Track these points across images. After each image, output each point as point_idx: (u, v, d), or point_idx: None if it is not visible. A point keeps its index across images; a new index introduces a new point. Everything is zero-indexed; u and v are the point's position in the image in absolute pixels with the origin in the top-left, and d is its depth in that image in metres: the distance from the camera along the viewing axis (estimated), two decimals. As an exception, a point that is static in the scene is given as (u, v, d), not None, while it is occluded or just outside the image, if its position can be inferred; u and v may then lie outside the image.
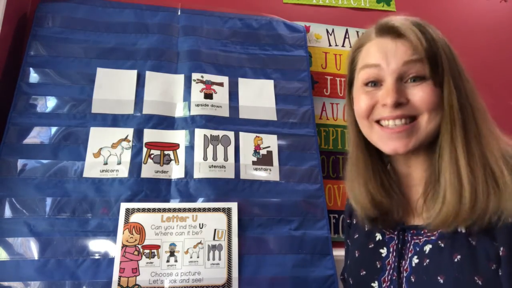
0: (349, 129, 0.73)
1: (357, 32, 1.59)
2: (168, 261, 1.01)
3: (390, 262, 0.65)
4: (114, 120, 1.15)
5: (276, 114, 1.28)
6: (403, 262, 0.63)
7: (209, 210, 1.08)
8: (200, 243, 1.04)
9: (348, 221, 0.85)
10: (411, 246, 0.63)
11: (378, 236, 0.69)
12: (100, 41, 1.25)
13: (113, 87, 1.19)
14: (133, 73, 1.22)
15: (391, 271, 0.64)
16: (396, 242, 0.65)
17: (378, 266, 0.67)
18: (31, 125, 1.10)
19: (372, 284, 0.67)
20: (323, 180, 1.23)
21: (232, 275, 1.02)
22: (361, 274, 0.70)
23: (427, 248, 0.60)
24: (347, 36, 1.58)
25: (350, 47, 1.57)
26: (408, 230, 0.64)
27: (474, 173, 0.54)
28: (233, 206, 1.10)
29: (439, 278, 0.56)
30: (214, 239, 1.05)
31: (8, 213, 1.00)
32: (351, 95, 0.71)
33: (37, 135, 1.09)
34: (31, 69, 1.16)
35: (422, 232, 0.62)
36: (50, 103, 1.14)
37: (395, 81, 0.59)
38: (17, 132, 1.09)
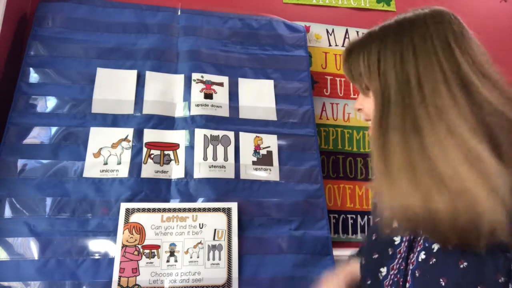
0: None
1: (357, 32, 1.59)
2: (168, 261, 1.01)
3: (401, 251, 0.67)
4: (114, 120, 1.15)
5: (276, 114, 1.28)
6: (412, 255, 0.64)
7: (209, 210, 1.08)
8: (200, 243, 1.04)
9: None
10: (421, 240, 0.64)
11: (395, 224, 0.70)
12: (100, 41, 1.25)
13: (113, 87, 1.19)
14: (133, 73, 1.22)
15: (400, 260, 0.66)
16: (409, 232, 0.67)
17: (390, 253, 0.69)
18: (31, 125, 1.10)
19: (381, 269, 0.69)
20: (323, 180, 1.23)
21: (232, 275, 1.02)
22: (373, 257, 0.72)
23: (436, 246, 0.60)
24: (347, 36, 1.58)
25: (350, 47, 1.57)
26: None
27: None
28: (233, 206, 1.10)
29: (441, 280, 0.56)
30: (214, 239, 1.05)
31: (8, 213, 1.00)
32: None
33: (37, 135, 1.09)
34: (31, 69, 1.16)
35: None
36: (50, 103, 1.14)
37: (359, 93, 0.72)
38: (17, 132, 1.09)
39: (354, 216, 1.37)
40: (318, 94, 1.47)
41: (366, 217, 1.38)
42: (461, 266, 0.55)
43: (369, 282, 0.71)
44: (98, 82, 1.19)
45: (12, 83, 1.14)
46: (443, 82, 0.58)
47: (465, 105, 0.56)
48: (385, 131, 0.60)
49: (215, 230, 1.06)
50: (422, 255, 0.62)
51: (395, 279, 0.65)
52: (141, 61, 1.24)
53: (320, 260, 1.12)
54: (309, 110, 1.31)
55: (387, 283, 0.67)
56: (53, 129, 1.11)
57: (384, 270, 0.68)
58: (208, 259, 1.03)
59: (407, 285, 0.62)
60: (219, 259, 1.04)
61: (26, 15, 1.32)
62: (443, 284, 0.56)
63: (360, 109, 0.73)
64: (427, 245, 0.62)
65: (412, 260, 0.63)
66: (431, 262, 0.60)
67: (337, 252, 1.19)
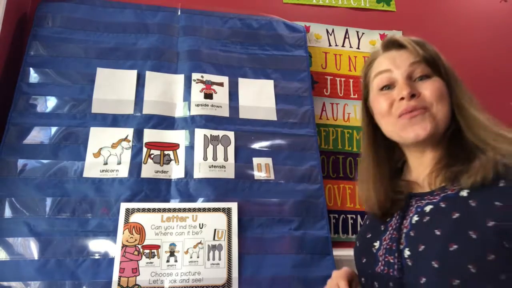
0: (364, 137, 0.82)
1: (357, 32, 1.59)
2: (168, 261, 1.01)
3: (392, 224, 0.72)
4: (114, 120, 1.15)
5: (276, 114, 1.28)
6: (404, 221, 0.69)
7: (209, 210, 1.08)
8: (200, 243, 1.04)
9: None
10: (413, 208, 0.69)
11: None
12: (100, 41, 1.25)
13: (113, 87, 1.19)
14: (133, 73, 1.22)
15: (392, 230, 0.71)
16: (402, 206, 0.72)
17: (382, 228, 0.74)
18: (31, 125, 1.10)
19: (374, 244, 0.74)
20: (323, 180, 1.23)
21: (232, 275, 1.02)
22: (367, 236, 0.77)
23: (428, 208, 0.66)
24: (347, 36, 1.58)
25: (350, 47, 1.57)
26: (414, 197, 0.71)
27: (501, 134, 0.64)
28: (233, 206, 1.10)
29: (436, 231, 0.62)
30: (214, 239, 1.05)
31: (8, 213, 1.00)
32: (367, 106, 0.80)
33: (37, 135, 1.09)
34: (31, 69, 1.16)
35: (425, 197, 0.69)
36: (50, 103, 1.14)
37: (406, 78, 0.71)
38: (17, 132, 1.09)
39: (354, 216, 1.37)
40: (318, 94, 1.47)
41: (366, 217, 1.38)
42: (454, 217, 0.61)
43: (364, 260, 0.76)
44: (98, 82, 1.19)
45: (12, 83, 1.14)
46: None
47: None
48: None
49: (215, 230, 1.06)
50: (415, 218, 0.68)
51: (387, 247, 0.70)
52: (141, 61, 1.24)
53: (320, 260, 1.12)
54: (309, 110, 1.31)
55: (381, 253, 0.72)
56: (53, 129, 1.11)
57: (377, 244, 0.74)
58: (208, 259, 1.03)
59: (401, 247, 0.67)
60: (219, 259, 1.04)
61: (26, 15, 1.32)
62: (438, 233, 0.62)
63: (415, 94, 0.70)
64: (419, 209, 0.68)
65: (405, 225, 0.69)
66: (424, 220, 0.66)
67: (337, 252, 1.19)
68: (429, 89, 0.69)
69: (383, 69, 0.74)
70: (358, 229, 1.37)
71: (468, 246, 0.58)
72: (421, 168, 0.74)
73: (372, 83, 0.76)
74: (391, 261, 0.68)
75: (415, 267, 0.63)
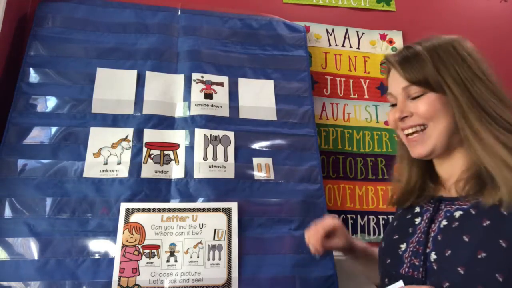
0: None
1: (357, 32, 1.59)
2: (168, 261, 1.01)
3: (421, 228, 0.72)
4: (114, 120, 1.15)
5: (276, 114, 1.28)
6: (433, 225, 0.70)
7: (209, 210, 1.08)
8: (200, 243, 1.04)
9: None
10: (442, 213, 0.70)
11: (417, 209, 0.77)
12: (100, 41, 1.25)
13: (113, 87, 1.19)
14: (133, 73, 1.22)
15: (420, 234, 0.71)
16: (431, 211, 0.73)
17: (410, 231, 0.74)
18: (31, 125, 1.10)
19: (401, 246, 0.74)
20: (323, 180, 1.23)
21: (232, 275, 1.02)
22: (394, 238, 0.77)
23: (458, 213, 0.66)
24: (347, 36, 1.58)
25: (350, 47, 1.57)
26: (444, 201, 0.72)
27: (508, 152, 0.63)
28: (233, 206, 1.10)
29: (464, 237, 0.62)
30: (214, 239, 1.05)
31: (8, 213, 1.00)
32: None
33: (37, 135, 1.09)
34: (31, 69, 1.16)
35: (456, 202, 0.69)
36: (50, 103, 1.14)
37: (401, 101, 0.74)
38: (17, 132, 1.09)
39: (354, 216, 1.37)
40: (318, 94, 1.47)
41: (366, 217, 1.38)
42: (484, 224, 0.61)
43: (388, 261, 0.76)
44: (98, 82, 1.19)
45: (12, 83, 1.14)
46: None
47: None
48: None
49: (215, 230, 1.06)
50: (444, 222, 0.68)
51: (414, 249, 0.70)
52: (141, 61, 1.24)
53: (320, 260, 1.12)
54: (309, 110, 1.31)
55: (406, 255, 0.72)
56: (53, 129, 1.11)
57: (403, 246, 0.73)
58: (208, 259, 1.03)
59: (428, 250, 0.67)
60: (219, 259, 1.04)
61: (26, 15, 1.32)
62: (466, 240, 0.61)
63: (407, 116, 0.74)
64: (448, 214, 0.68)
65: (433, 229, 0.69)
66: (453, 226, 0.66)
67: (337, 252, 1.19)
68: (419, 108, 0.71)
69: (388, 92, 0.79)
70: (358, 229, 1.37)
71: (497, 254, 0.57)
72: (445, 174, 0.75)
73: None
74: (417, 263, 0.68)
75: (439, 271, 0.63)
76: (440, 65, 0.71)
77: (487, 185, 0.63)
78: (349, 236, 0.91)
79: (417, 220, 0.74)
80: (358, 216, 1.37)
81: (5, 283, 0.93)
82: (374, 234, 1.37)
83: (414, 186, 0.78)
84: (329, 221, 0.87)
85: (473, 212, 0.64)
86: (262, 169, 1.19)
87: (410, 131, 0.73)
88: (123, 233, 1.01)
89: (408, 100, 0.73)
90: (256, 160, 1.20)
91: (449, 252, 0.63)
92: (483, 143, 0.65)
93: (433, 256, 0.65)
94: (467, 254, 0.60)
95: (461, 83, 0.69)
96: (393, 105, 0.78)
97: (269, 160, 1.20)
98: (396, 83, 0.75)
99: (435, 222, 0.69)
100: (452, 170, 0.73)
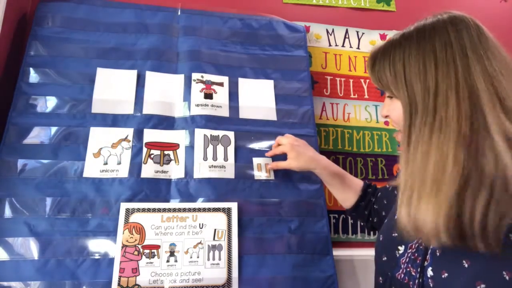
0: None
1: (357, 32, 1.59)
2: (168, 261, 1.01)
3: None
4: (114, 120, 1.15)
5: (276, 114, 1.28)
6: None
7: (209, 210, 1.08)
8: (200, 243, 1.04)
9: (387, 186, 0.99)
10: None
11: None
12: (100, 41, 1.25)
13: (113, 87, 1.19)
14: (133, 73, 1.22)
15: (420, 240, 0.67)
16: None
17: None
18: (31, 125, 1.10)
19: (399, 247, 0.71)
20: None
21: (232, 275, 1.02)
22: (392, 235, 0.74)
23: None
24: (347, 36, 1.58)
25: (350, 47, 1.57)
26: None
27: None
28: (233, 206, 1.10)
29: (464, 262, 0.57)
30: (214, 239, 1.05)
31: (8, 213, 1.00)
32: None
33: (37, 135, 1.09)
34: (31, 69, 1.16)
35: None
36: (50, 103, 1.14)
37: (385, 100, 0.73)
38: (17, 132, 1.09)
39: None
40: (318, 94, 1.47)
41: (366, 217, 1.38)
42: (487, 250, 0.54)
43: (384, 258, 0.74)
44: (98, 82, 1.19)
45: (12, 83, 1.14)
46: (455, 92, 0.57)
47: (466, 118, 0.55)
48: (410, 141, 0.60)
49: (215, 230, 1.06)
50: None
51: (412, 257, 0.67)
52: (141, 61, 1.24)
53: (320, 260, 1.12)
54: (309, 110, 1.31)
55: (403, 260, 0.69)
56: (53, 129, 1.11)
57: (401, 248, 0.70)
58: (208, 259, 1.03)
59: (426, 263, 0.63)
60: (219, 259, 1.04)
61: (26, 15, 1.32)
62: (465, 266, 0.56)
63: (387, 116, 0.73)
64: None
65: None
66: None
67: (337, 252, 1.19)
68: (390, 112, 0.71)
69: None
70: (358, 229, 1.37)
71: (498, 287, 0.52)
72: None
73: None
74: (413, 273, 0.65)
75: None
76: (395, 70, 0.69)
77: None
78: (317, 160, 1.04)
79: None
80: (358, 216, 1.37)
81: (5, 283, 0.93)
82: (374, 234, 1.37)
83: None
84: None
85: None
86: (262, 169, 1.19)
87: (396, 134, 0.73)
88: (123, 233, 1.01)
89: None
90: (256, 160, 1.20)
91: (446, 274, 0.59)
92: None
93: (429, 272, 0.62)
94: (465, 283, 0.55)
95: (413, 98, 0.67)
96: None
97: (269, 160, 1.20)
98: None
99: None
100: None
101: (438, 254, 0.62)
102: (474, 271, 0.55)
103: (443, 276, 0.59)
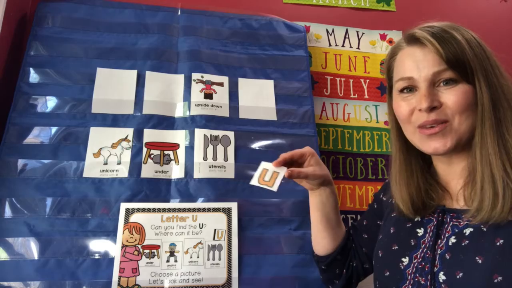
0: (391, 134, 0.77)
1: (357, 32, 1.59)
2: (168, 261, 1.01)
3: (426, 242, 0.68)
4: (114, 120, 1.15)
5: (276, 114, 1.28)
6: (439, 241, 0.65)
7: (209, 210, 1.08)
8: (200, 243, 1.04)
9: (381, 196, 0.90)
10: (449, 227, 0.65)
11: (417, 218, 0.72)
12: (100, 41, 1.25)
13: (113, 87, 1.19)
14: (133, 73, 1.22)
15: (425, 249, 0.67)
16: (435, 223, 0.68)
17: (413, 243, 0.69)
18: (31, 125, 1.10)
19: (402, 259, 0.69)
20: (323, 180, 1.23)
21: (232, 275, 1.02)
22: (393, 248, 0.73)
23: (468, 230, 0.62)
24: (347, 36, 1.58)
25: (350, 47, 1.57)
26: (448, 213, 0.67)
27: (506, 169, 0.58)
28: (233, 206, 1.10)
29: (477, 258, 0.57)
30: (214, 239, 1.05)
31: (8, 213, 1.00)
32: (392, 101, 0.75)
33: (37, 135, 1.09)
34: (31, 69, 1.16)
35: (463, 216, 0.64)
36: (50, 103, 1.14)
37: (428, 87, 0.64)
38: (17, 132, 1.09)
39: (354, 216, 1.37)
40: (318, 94, 1.47)
41: (366, 217, 1.38)
42: (497, 243, 0.56)
43: (387, 273, 0.72)
44: (98, 82, 1.19)
45: (12, 83, 1.14)
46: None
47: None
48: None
49: (215, 230, 1.06)
50: (453, 239, 0.63)
51: (419, 266, 0.66)
52: (141, 61, 1.24)
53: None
54: (309, 110, 1.31)
55: (409, 271, 0.67)
56: (53, 129, 1.11)
57: (405, 260, 0.69)
58: (208, 259, 1.03)
59: (435, 269, 0.62)
60: (219, 259, 1.04)
61: (26, 15, 1.32)
62: (479, 261, 0.57)
63: (436, 107, 0.64)
64: (457, 230, 0.63)
65: (440, 246, 0.64)
66: (463, 244, 0.61)
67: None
68: (452, 99, 0.62)
69: (405, 77, 0.67)
70: (358, 229, 1.36)
71: None
72: (450, 178, 0.70)
73: (395, 85, 0.72)
74: (422, 282, 0.64)
75: None
76: (474, 52, 0.63)
77: (498, 196, 0.57)
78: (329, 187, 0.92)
79: (420, 232, 0.70)
80: (358, 216, 1.37)
81: (5, 283, 0.93)
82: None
83: (418, 199, 0.71)
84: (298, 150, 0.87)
85: (484, 229, 0.59)
86: (267, 176, 0.97)
87: (434, 129, 0.64)
88: (123, 233, 1.01)
89: (433, 87, 0.64)
90: (264, 165, 0.98)
91: (461, 274, 0.58)
92: (484, 150, 0.61)
93: (442, 276, 0.61)
94: (482, 278, 0.55)
95: (490, 78, 0.63)
96: (406, 90, 0.68)
97: (280, 170, 0.97)
98: (424, 65, 0.65)
99: (442, 238, 0.65)
100: (453, 174, 0.69)
101: (448, 257, 0.62)
102: (488, 265, 0.55)
103: (458, 277, 0.59)
